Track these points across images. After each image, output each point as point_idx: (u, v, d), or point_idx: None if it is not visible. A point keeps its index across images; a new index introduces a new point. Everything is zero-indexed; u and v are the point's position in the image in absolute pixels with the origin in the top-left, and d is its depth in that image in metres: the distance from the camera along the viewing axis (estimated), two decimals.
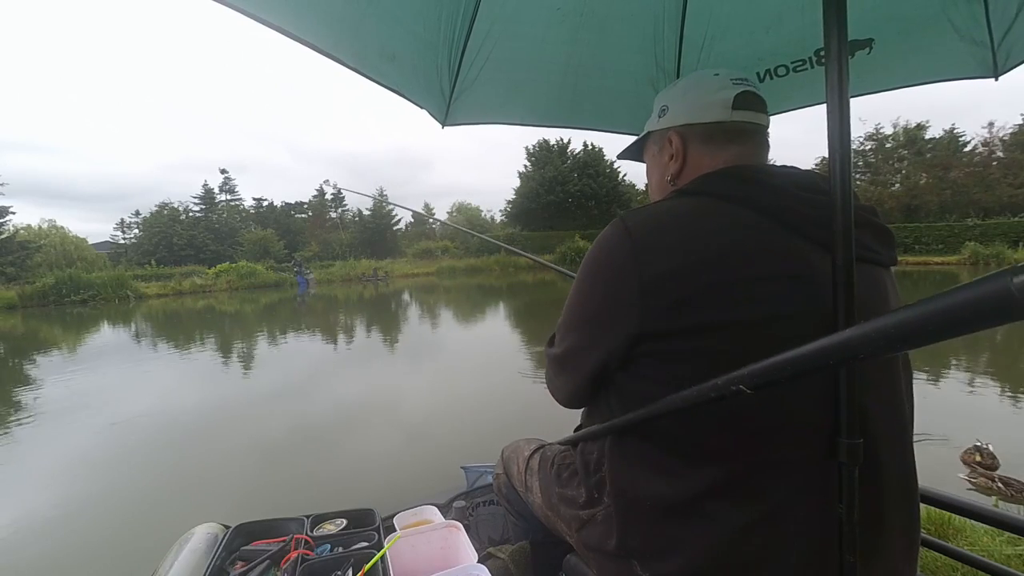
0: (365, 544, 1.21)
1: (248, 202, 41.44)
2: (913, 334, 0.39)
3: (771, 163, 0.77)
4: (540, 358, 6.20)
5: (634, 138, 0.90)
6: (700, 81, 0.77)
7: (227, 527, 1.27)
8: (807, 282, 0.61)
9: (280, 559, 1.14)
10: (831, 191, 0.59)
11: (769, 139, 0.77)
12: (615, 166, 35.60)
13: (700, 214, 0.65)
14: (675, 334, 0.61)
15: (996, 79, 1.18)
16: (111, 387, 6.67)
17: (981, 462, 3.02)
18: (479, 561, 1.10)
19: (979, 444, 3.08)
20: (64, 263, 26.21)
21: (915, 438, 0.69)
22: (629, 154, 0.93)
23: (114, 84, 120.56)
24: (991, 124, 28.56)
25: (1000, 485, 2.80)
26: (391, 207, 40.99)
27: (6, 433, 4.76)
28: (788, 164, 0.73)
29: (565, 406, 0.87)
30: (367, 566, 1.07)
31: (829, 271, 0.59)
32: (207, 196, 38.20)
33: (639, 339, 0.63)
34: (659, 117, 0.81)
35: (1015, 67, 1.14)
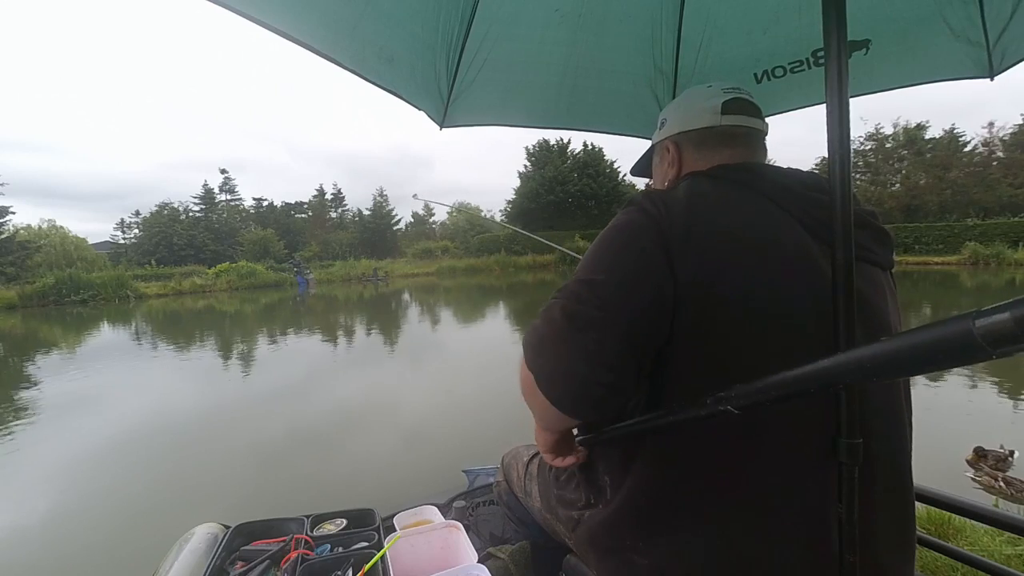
0: (365, 544, 1.21)
1: (248, 202, 41.48)
2: (886, 366, 0.41)
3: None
4: None
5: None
6: (693, 93, 0.81)
7: (227, 527, 1.27)
8: (814, 276, 0.62)
9: (280, 559, 1.14)
10: (831, 191, 0.59)
11: (766, 143, 0.78)
12: (615, 166, 35.63)
13: (722, 194, 0.66)
14: (691, 327, 0.59)
15: (992, 79, 1.19)
16: (111, 387, 6.66)
17: (983, 462, 3.02)
18: (479, 561, 1.10)
19: (1002, 449, 3.06)
20: (64, 263, 26.16)
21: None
22: (639, 170, 0.97)
23: (114, 84, 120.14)
24: (991, 124, 28.57)
25: (1002, 484, 2.81)
26: (391, 208, 40.99)
27: (6, 433, 4.75)
28: (790, 164, 0.74)
29: (572, 410, 0.60)
30: (367, 566, 1.07)
31: (830, 269, 0.60)
32: (207, 196, 38.17)
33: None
34: (659, 130, 0.85)
35: (1010, 67, 1.15)
